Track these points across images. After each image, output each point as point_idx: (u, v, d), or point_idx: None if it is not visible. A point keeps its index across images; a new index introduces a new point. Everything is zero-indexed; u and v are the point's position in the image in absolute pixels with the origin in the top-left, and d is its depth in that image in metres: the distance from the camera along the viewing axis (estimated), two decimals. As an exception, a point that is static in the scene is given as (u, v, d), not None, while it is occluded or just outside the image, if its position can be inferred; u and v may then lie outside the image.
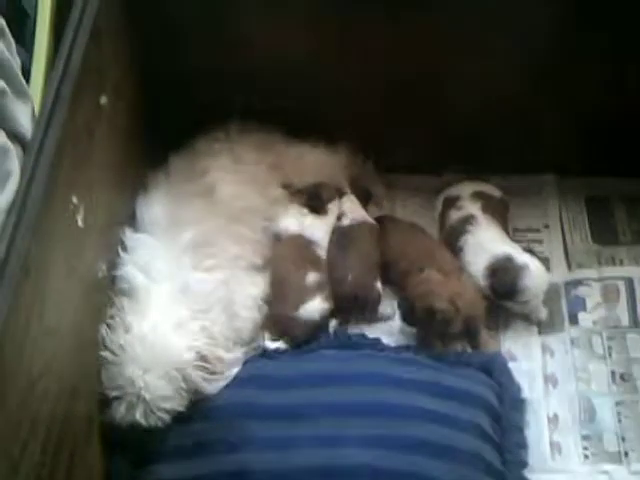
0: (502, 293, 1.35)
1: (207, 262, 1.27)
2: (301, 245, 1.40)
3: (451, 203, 1.47)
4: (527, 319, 1.38)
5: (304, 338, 1.32)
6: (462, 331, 1.33)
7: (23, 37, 1.32)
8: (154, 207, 1.32)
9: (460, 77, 1.37)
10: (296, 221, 1.43)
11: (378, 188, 1.55)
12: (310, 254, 1.40)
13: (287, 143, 1.47)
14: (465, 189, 1.48)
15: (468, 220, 1.43)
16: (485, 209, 1.44)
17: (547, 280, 1.37)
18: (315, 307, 1.33)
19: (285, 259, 1.38)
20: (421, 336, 1.33)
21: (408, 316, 1.32)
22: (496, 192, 1.49)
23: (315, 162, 1.48)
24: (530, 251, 1.39)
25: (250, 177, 1.40)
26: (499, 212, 1.46)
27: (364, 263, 1.40)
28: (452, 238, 1.43)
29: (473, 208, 1.44)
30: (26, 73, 1.26)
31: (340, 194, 1.49)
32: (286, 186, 1.46)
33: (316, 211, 1.45)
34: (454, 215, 1.45)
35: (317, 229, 1.43)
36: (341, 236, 1.44)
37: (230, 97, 1.39)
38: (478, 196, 1.46)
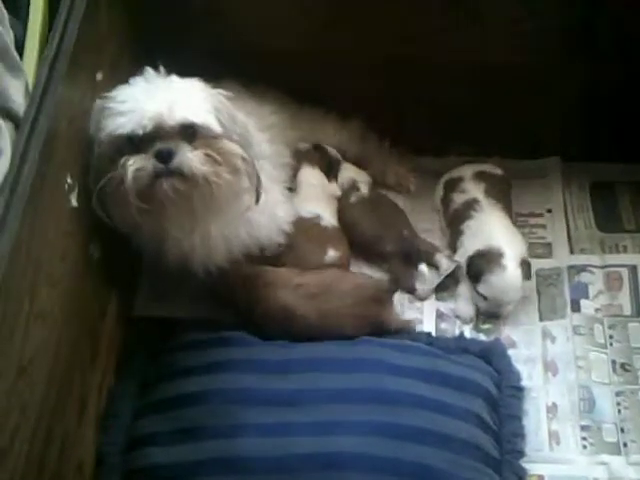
0: (469, 271, 1.34)
1: None
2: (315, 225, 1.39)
3: (453, 186, 1.45)
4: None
5: None
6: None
7: (17, 9, 1.28)
8: None
9: (460, 56, 1.34)
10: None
11: (399, 169, 1.51)
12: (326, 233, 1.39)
13: (299, 105, 1.43)
14: (467, 170, 1.46)
15: (472, 205, 1.40)
16: (488, 192, 1.41)
17: (514, 294, 1.33)
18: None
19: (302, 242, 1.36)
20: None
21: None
22: (498, 170, 1.47)
23: (330, 127, 1.46)
24: (527, 263, 1.34)
25: (273, 123, 1.35)
26: (502, 192, 1.44)
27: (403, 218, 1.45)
28: (455, 221, 1.42)
29: (476, 191, 1.42)
30: (20, 47, 1.22)
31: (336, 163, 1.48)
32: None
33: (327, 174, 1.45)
34: (457, 198, 1.43)
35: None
36: (370, 204, 1.44)
37: (230, 72, 1.35)
38: (480, 177, 1.44)
